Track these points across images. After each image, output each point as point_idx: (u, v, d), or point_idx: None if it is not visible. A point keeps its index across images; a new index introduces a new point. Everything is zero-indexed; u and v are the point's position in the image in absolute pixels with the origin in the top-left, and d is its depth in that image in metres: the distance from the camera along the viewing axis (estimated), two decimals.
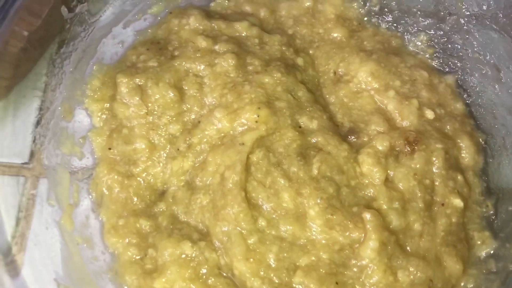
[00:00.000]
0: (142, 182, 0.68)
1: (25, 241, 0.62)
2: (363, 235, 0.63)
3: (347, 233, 0.63)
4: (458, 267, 0.65)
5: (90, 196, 0.66)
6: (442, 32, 0.75)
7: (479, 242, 0.67)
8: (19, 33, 0.58)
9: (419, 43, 0.77)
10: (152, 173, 0.69)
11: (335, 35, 0.78)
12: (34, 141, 0.68)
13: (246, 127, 0.68)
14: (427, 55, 0.77)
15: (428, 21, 0.76)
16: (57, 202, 0.63)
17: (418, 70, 0.75)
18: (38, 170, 0.68)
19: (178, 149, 0.69)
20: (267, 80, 0.71)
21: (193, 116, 0.70)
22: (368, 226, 0.63)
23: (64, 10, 0.63)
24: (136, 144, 0.68)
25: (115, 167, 0.68)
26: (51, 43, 0.67)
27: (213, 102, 0.70)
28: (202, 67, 0.71)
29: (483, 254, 0.66)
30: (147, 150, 0.68)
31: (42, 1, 0.62)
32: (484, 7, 0.70)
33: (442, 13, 0.74)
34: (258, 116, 0.67)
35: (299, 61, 0.76)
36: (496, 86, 0.70)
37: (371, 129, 0.72)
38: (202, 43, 0.72)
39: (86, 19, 0.67)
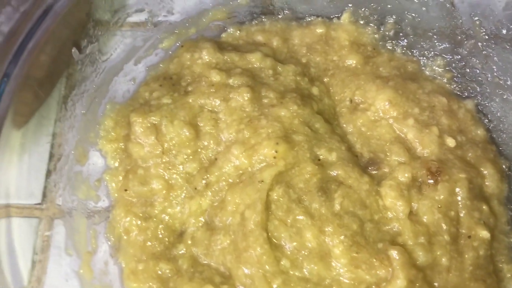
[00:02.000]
0: (160, 223, 0.66)
1: (41, 286, 0.61)
2: (390, 272, 0.62)
3: (373, 271, 0.62)
4: None
5: (108, 241, 0.65)
6: (459, 56, 0.74)
7: (508, 275, 0.65)
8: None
9: (436, 68, 0.76)
10: (170, 213, 0.67)
11: (350, 62, 0.77)
12: (47, 180, 0.67)
13: (264, 163, 0.66)
14: (445, 80, 0.75)
15: (444, 45, 0.74)
16: (75, 251, 0.61)
17: (437, 96, 0.74)
18: (52, 211, 0.67)
19: (195, 188, 0.67)
20: (283, 113, 0.69)
21: (209, 154, 0.68)
22: (395, 264, 0.61)
23: (75, 52, 0.61)
24: (153, 185, 0.67)
25: (132, 209, 0.67)
26: (58, 82, 0.66)
27: (230, 138, 0.68)
28: (217, 102, 0.69)
29: None
30: (164, 191, 0.67)
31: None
32: (504, 31, 0.68)
33: (459, 37, 0.73)
34: (276, 151, 0.65)
35: (315, 90, 0.75)
36: None
37: (391, 160, 0.70)
38: (216, 77, 0.71)
39: (97, 58, 0.65)
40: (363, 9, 0.76)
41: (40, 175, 0.68)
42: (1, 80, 0.57)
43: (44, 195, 0.68)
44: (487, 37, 0.70)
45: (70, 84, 0.63)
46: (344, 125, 0.74)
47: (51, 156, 0.67)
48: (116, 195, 0.67)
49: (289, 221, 0.64)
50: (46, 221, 0.67)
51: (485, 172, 0.70)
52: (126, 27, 0.68)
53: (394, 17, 0.76)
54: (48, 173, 0.67)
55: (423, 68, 0.77)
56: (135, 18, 0.68)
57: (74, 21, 0.60)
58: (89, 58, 0.65)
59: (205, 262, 0.65)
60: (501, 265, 0.66)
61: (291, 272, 0.62)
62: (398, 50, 0.77)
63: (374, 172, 0.70)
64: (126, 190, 0.67)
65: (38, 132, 0.65)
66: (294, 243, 0.63)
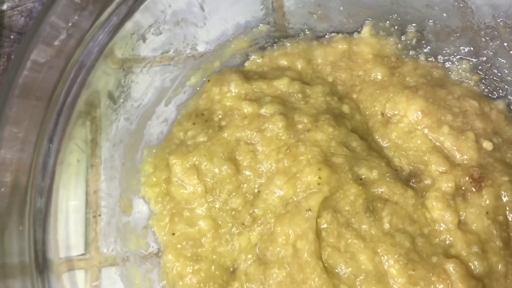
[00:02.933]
0: (212, 263, 0.66)
1: None
2: (449, 285, 0.62)
3: (433, 287, 0.62)
4: None
5: (163, 287, 0.64)
6: (485, 58, 0.74)
7: None
8: None
9: (463, 71, 0.76)
10: (220, 252, 0.67)
11: (376, 75, 0.76)
12: (87, 228, 0.67)
13: (308, 190, 0.66)
14: (473, 83, 0.75)
15: (469, 48, 0.74)
16: None
17: (467, 100, 0.74)
18: (97, 259, 0.67)
19: (243, 224, 0.67)
20: (320, 137, 0.69)
21: (252, 187, 0.68)
22: (453, 278, 0.61)
23: (110, 104, 0.61)
24: (200, 225, 0.66)
25: (182, 252, 0.66)
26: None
27: (270, 169, 0.68)
28: (253, 134, 0.69)
29: None
30: (211, 230, 0.66)
31: None
32: None
33: (483, 39, 0.73)
34: (319, 177, 0.65)
35: (345, 108, 0.74)
36: None
37: (432, 170, 0.70)
38: (248, 108, 0.70)
39: (131, 106, 0.65)
40: (383, 21, 0.76)
41: (81, 224, 0.68)
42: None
43: (86, 245, 0.68)
44: None
45: (106, 136, 0.63)
46: (379, 140, 0.74)
47: (88, 203, 0.67)
48: (164, 240, 0.67)
49: (342, 246, 0.64)
50: (92, 271, 0.67)
51: None
52: (154, 70, 0.67)
53: (414, 25, 0.75)
54: (89, 221, 0.67)
55: (449, 73, 0.77)
56: (162, 59, 0.67)
57: (105, 76, 0.60)
58: (123, 107, 0.64)
59: None
60: None
61: None
62: (422, 58, 0.77)
63: (416, 184, 0.70)
64: (173, 233, 0.67)
65: (77, 184, 0.64)
66: (350, 268, 0.63)
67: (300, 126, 0.70)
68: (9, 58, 0.80)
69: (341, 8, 0.75)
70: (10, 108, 0.48)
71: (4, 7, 0.83)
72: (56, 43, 0.54)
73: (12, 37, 0.81)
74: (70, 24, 0.54)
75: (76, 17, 0.54)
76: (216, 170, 0.67)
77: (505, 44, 0.71)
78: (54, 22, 0.51)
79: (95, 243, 0.68)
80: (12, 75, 0.48)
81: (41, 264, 0.55)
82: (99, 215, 0.67)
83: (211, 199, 0.67)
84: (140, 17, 0.60)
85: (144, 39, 0.62)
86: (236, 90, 0.72)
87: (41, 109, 0.52)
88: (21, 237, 0.51)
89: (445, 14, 0.73)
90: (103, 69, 0.58)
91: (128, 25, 0.59)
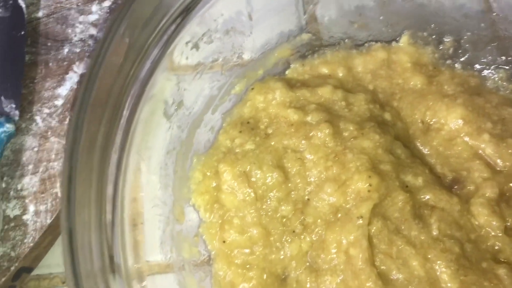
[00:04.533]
0: (263, 271, 0.66)
1: None
2: None
3: None
4: None
5: None
6: None
7: None
8: None
9: (499, 80, 0.77)
10: (271, 260, 0.66)
11: (415, 83, 0.78)
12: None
13: (359, 198, 0.66)
14: (509, 91, 0.77)
15: (504, 57, 0.76)
16: None
17: (505, 108, 0.75)
18: (145, 268, 0.66)
19: (293, 231, 0.67)
20: (366, 144, 0.69)
21: (301, 194, 0.68)
22: (506, 282, 0.62)
23: (165, 112, 0.61)
24: (250, 233, 0.66)
25: (233, 260, 0.66)
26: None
27: (319, 176, 0.68)
28: (300, 141, 0.69)
29: None
30: (262, 238, 0.66)
31: None
32: None
33: None
34: (370, 185, 0.66)
35: (387, 116, 0.75)
36: None
37: (475, 177, 0.71)
38: (294, 116, 0.71)
39: (182, 113, 0.65)
40: (421, 31, 0.77)
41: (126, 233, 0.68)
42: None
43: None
44: None
45: (161, 144, 0.63)
46: (421, 147, 0.75)
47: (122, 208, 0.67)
48: (215, 248, 0.66)
49: (393, 253, 0.64)
50: (139, 278, 0.66)
51: None
52: (204, 78, 0.67)
53: (452, 35, 0.77)
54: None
55: (485, 81, 0.78)
56: (212, 67, 0.68)
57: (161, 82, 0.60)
58: (176, 115, 0.64)
59: None
60: None
61: None
62: (458, 67, 0.78)
63: (460, 191, 0.71)
64: (224, 241, 0.67)
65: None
66: (403, 274, 0.63)
67: (346, 134, 0.71)
68: (46, 66, 0.79)
69: (380, 17, 0.76)
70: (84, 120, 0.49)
71: (40, 14, 0.82)
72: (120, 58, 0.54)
73: (49, 44, 0.80)
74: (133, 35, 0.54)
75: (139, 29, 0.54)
76: (267, 177, 0.67)
77: None
78: (122, 34, 0.51)
79: (136, 250, 0.68)
80: (86, 89, 0.48)
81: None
82: (141, 223, 0.67)
83: (261, 207, 0.67)
84: (195, 26, 0.60)
85: (197, 47, 0.63)
86: (281, 98, 0.72)
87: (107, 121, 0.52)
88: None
89: (482, 24, 0.75)
90: (160, 77, 0.58)
91: (184, 34, 0.59)
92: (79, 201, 0.51)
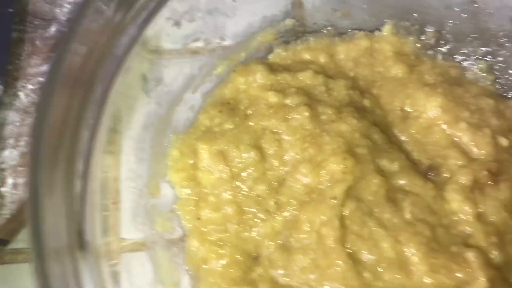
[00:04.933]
0: (235, 248, 0.67)
1: None
2: (469, 274, 0.63)
3: (453, 275, 0.63)
4: None
5: (189, 272, 0.65)
6: (502, 59, 0.76)
7: None
8: None
9: (479, 71, 0.78)
10: (245, 238, 0.67)
11: (396, 72, 0.78)
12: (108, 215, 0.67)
13: (333, 179, 0.67)
14: (488, 82, 0.78)
15: (486, 49, 0.77)
16: (162, 285, 0.61)
17: (484, 99, 0.76)
18: (117, 245, 0.67)
19: (267, 210, 0.68)
20: (344, 128, 0.70)
21: (277, 174, 0.69)
22: (474, 266, 0.63)
23: (143, 87, 0.62)
24: (225, 211, 0.67)
25: (206, 237, 0.67)
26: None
27: (295, 158, 0.69)
28: (278, 123, 0.70)
29: None
30: (236, 216, 0.67)
31: None
32: None
33: (500, 40, 0.76)
34: (345, 166, 0.67)
35: (366, 102, 0.76)
36: None
37: (450, 164, 0.72)
38: (274, 98, 0.72)
39: (161, 90, 0.66)
40: (403, 21, 0.78)
41: (103, 211, 0.68)
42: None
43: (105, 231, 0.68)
44: None
45: (138, 118, 0.64)
46: (398, 134, 0.76)
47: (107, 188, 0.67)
48: (189, 225, 0.67)
49: (365, 234, 0.65)
50: (111, 256, 0.67)
51: None
52: (184, 57, 0.68)
53: (434, 25, 0.78)
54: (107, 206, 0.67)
55: (465, 72, 0.79)
56: (192, 48, 0.69)
57: (139, 60, 0.61)
58: (155, 91, 0.65)
59: (285, 283, 0.65)
60: None
61: (374, 284, 0.63)
62: (439, 57, 0.80)
63: (435, 177, 0.72)
64: (198, 218, 0.68)
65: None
66: (373, 256, 0.64)
67: (324, 117, 0.72)
68: (33, 44, 0.80)
69: (364, 6, 0.77)
70: (54, 95, 0.49)
71: None
72: (97, 29, 0.55)
73: (36, 22, 0.81)
74: (110, 10, 0.55)
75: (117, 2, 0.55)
76: (243, 156, 0.68)
77: None
78: (98, 6, 0.52)
79: (115, 229, 0.68)
80: (55, 63, 0.49)
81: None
82: (113, 199, 0.67)
83: (237, 185, 0.68)
84: (177, 3, 0.61)
85: (178, 24, 0.64)
86: (262, 81, 0.73)
87: (80, 97, 0.53)
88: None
89: (464, 15, 0.76)
90: (139, 53, 0.59)
91: (165, 11, 0.60)
92: (46, 175, 0.51)
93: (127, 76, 0.58)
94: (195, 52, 0.69)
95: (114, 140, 0.61)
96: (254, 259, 0.68)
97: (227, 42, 0.72)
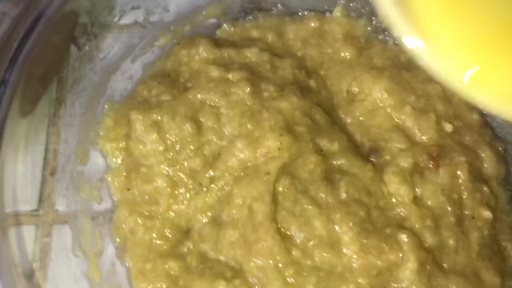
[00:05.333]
0: (165, 221, 0.65)
1: None
2: (400, 256, 0.62)
3: (384, 256, 0.62)
4: (497, 280, 0.64)
5: (114, 242, 0.63)
6: None
7: None
8: None
9: None
10: (176, 211, 0.66)
11: (344, 54, 0.78)
12: (43, 185, 0.66)
13: (269, 155, 0.66)
14: None
15: None
16: (82, 252, 0.60)
17: (431, 84, 0.75)
18: (51, 217, 0.65)
19: (200, 184, 0.66)
20: (284, 105, 0.69)
21: (213, 148, 0.67)
22: (405, 247, 0.62)
23: (73, 49, 0.60)
24: (156, 183, 0.66)
25: (136, 208, 0.65)
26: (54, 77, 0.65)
27: (233, 132, 0.68)
28: (217, 97, 0.69)
29: None
30: (168, 188, 0.66)
31: None
32: None
33: None
34: (281, 143, 0.65)
35: (312, 83, 0.75)
36: None
37: (392, 147, 0.71)
38: (215, 72, 0.70)
39: (95, 56, 0.64)
40: (354, 3, 0.77)
41: (36, 181, 0.67)
42: None
43: (40, 201, 0.67)
44: None
45: (67, 83, 0.62)
46: (343, 116, 0.75)
47: (46, 153, 0.66)
48: (119, 195, 0.66)
49: (297, 211, 0.64)
50: (44, 227, 0.65)
51: (483, 154, 0.72)
52: (122, 25, 0.67)
53: None
54: (45, 177, 0.66)
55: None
56: (131, 15, 0.67)
57: (72, 19, 0.59)
58: (87, 55, 0.63)
59: (214, 257, 0.64)
60: (504, 244, 0.68)
61: (303, 262, 0.62)
62: (390, 41, 0.79)
63: (376, 160, 0.71)
64: (129, 189, 0.66)
65: (36, 131, 0.63)
66: (303, 233, 0.63)
67: (266, 94, 0.70)
68: None
69: None
70: None
71: None
72: None
73: None
74: None
75: None
76: (178, 129, 0.66)
77: None
78: None
79: (49, 199, 0.67)
80: None
81: None
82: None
83: (170, 157, 0.66)
84: None
85: None
86: (205, 55, 0.72)
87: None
88: None
89: None
90: (69, 15, 0.58)
91: None
92: None
93: (54, 35, 0.56)
94: (134, 22, 0.68)
95: (58, 112, 0.60)
96: (184, 233, 0.66)
97: (170, 15, 0.71)
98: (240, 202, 0.64)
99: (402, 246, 0.62)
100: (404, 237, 0.62)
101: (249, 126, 0.67)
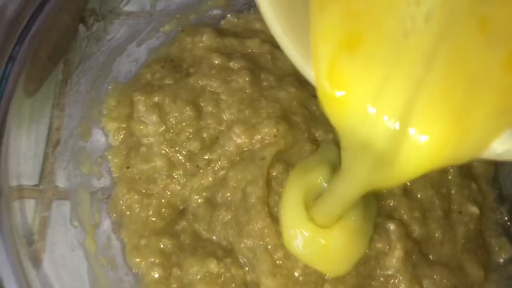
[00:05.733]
0: (162, 200, 0.67)
1: (45, 267, 0.61)
2: (387, 246, 0.64)
3: (373, 245, 0.64)
4: (480, 273, 0.66)
5: (110, 217, 0.65)
6: None
7: (497, 248, 0.68)
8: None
9: None
10: (172, 190, 0.68)
11: None
12: (45, 162, 0.68)
13: (265, 141, 0.68)
14: None
15: None
16: (79, 223, 0.62)
17: None
18: (51, 192, 0.67)
19: (197, 166, 0.68)
20: (282, 95, 0.71)
21: (211, 133, 0.70)
22: (393, 236, 0.64)
23: (82, 27, 0.63)
24: (155, 162, 0.68)
25: (134, 186, 0.67)
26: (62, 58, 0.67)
27: (231, 118, 0.70)
28: (218, 83, 0.71)
29: (501, 259, 0.68)
30: (166, 168, 0.68)
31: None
32: None
33: None
34: (277, 130, 0.68)
35: None
36: None
37: None
38: (217, 60, 0.73)
39: (102, 37, 0.67)
40: None
41: (39, 156, 0.69)
42: (7, 61, 0.58)
43: (41, 177, 0.69)
44: None
45: (73, 62, 0.65)
46: None
47: (49, 131, 0.68)
48: (118, 173, 0.68)
49: None
50: (43, 202, 0.67)
51: None
52: (130, 10, 0.69)
53: None
54: (48, 154, 0.68)
55: None
56: (139, 2, 0.70)
57: (81, 2, 0.62)
58: (95, 36, 0.66)
59: (207, 237, 0.66)
60: (489, 239, 0.69)
61: None
62: None
63: None
64: (128, 167, 0.68)
65: (41, 109, 0.66)
66: None
67: (265, 83, 0.73)
68: None
69: None
70: None
71: None
72: None
73: None
74: None
75: None
76: (178, 112, 0.68)
77: None
78: None
79: (50, 176, 0.69)
80: None
81: None
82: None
83: (170, 138, 0.68)
84: None
85: None
86: (208, 42, 0.74)
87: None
88: None
89: None
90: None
91: None
92: None
93: (62, 14, 0.59)
94: (141, 7, 0.70)
95: (63, 91, 0.62)
96: (179, 212, 0.68)
97: (176, 2, 0.73)
98: (235, 185, 0.66)
99: (390, 235, 0.64)
100: (392, 226, 0.64)
101: (247, 113, 0.70)
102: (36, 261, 0.57)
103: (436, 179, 0.70)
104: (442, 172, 0.70)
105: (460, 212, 0.69)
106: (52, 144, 0.68)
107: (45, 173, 0.69)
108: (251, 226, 0.63)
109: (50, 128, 0.70)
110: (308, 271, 0.63)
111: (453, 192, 0.70)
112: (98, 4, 0.64)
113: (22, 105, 0.64)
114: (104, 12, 0.65)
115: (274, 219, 0.64)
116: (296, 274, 0.62)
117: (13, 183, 0.63)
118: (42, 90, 0.69)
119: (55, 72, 0.69)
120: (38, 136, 0.69)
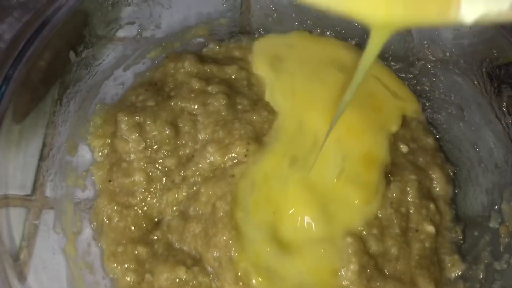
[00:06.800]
0: (139, 212, 0.73)
1: (27, 269, 0.66)
2: (343, 258, 0.69)
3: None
4: None
5: (91, 225, 0.71)
6: (411, 75, 0.84)
7: (449, 265, 0.73)
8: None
9: None
10: (149, 203, 0.73)
11: None
12: (37, 174, 0.74)
13: (236, 160, 0.74)
14: None
15: (399, 65, 0.84)
16: (62, 230, 0.68)
17: None
18: (41, 202, 0.73)
19: (173, 181, 0.74)
20: (255, 117, 0.77)
21: (187, 151, 0.76)
22: (349, 250, 0.69)
23: (72, 54, 0.70)
24: (135, 177, 0.74)
25: (115, 198, 0.73)
26: (55, 83, 0.74)
27: (206, 138, 0.76)
28: (196, 106, 0.77)
29: (452, 275, 0.72)
30: (144, 182, 0.73)
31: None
32: (448, 54, 0.78)
33: (411, 59, 0.83)
34: (247, 150, 0.74)
35: None
36: (460, 124, 0.78)
37: None
38: (196, 84, 0.79)
39: (91, 63, 0.74)
40: (329, 31, 0.86)
41: (32, 169, 0.75)
42: (2, 82, 0.65)
43: (34, 188, 0.75)
44: (434, 59, 0.80)
45: (65, 84, 0.71)
46: None
47: (43, 146, 0.74)
48: (100, 185, 0.74)
49: None
50: (34, 211, 0.74)
51: (433, 175, 0.79)
52: (118, 37, 0.76)
53: (356, 39, 0.86)
54: (39, 165, 0.74)
55: None
56: (126, 30, 0.77)
57: (71, 29, 0.69)
58: (84, 61, 0.73)
59: (178, 247, 0.71)
60: (443, 256, 0.74)
61: None
62: None
63: None
64: (110, 181, 0.74)
65: (36, 126, 0.72)
66: None
67: (239, 107, 0.79)
68: None
69: (293, 15, 0.85)
70: None
71: None
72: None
73: None
74: None
75: None
76: (158, 131, 0.74)
77: (428, 65, 0.81)
78: None
79: (41, 188, 0.75)
80: None
81: None
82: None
83: (149, 155, 0.74)
84: None
85: (113, 5, 0.72)
86: (189, 68, 0.81)
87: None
88: None
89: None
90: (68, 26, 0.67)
91: None
92: None
93: (58, 43, 0.66)
94: (128, 35, 0.77)
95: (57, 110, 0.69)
96: (155, 224, 0.74)
97: (162, 30, 0.80)
98: (206, 200, 0.72)
99: (347, 249, 0.69)
100: (349, 240, 0.69)
101: (221, 134, 0.76)
102: (20, 267, 0.63)
103: (395, 199, 0.75)
104: (402, 192, 0.75)
105: (417, 231, 0.74)
106: (42, 158, 0.75)
107: (37, 184, 0.76)
108: (218, 238, 0.68)
109: (44, 144, 0.77)
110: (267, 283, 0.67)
111: (411, 211, 0.75)
112: (87, 32, 0.71)
113: (15, 124, 0.70)
114: (94, 40, 0.72)
115: (239, 233, 0.69)
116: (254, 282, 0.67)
117: (2, 192, 0.69)
118: (38, 108, 0.76)
119: (51, 92, 0.76)
120: (32, 151, 0.76)
